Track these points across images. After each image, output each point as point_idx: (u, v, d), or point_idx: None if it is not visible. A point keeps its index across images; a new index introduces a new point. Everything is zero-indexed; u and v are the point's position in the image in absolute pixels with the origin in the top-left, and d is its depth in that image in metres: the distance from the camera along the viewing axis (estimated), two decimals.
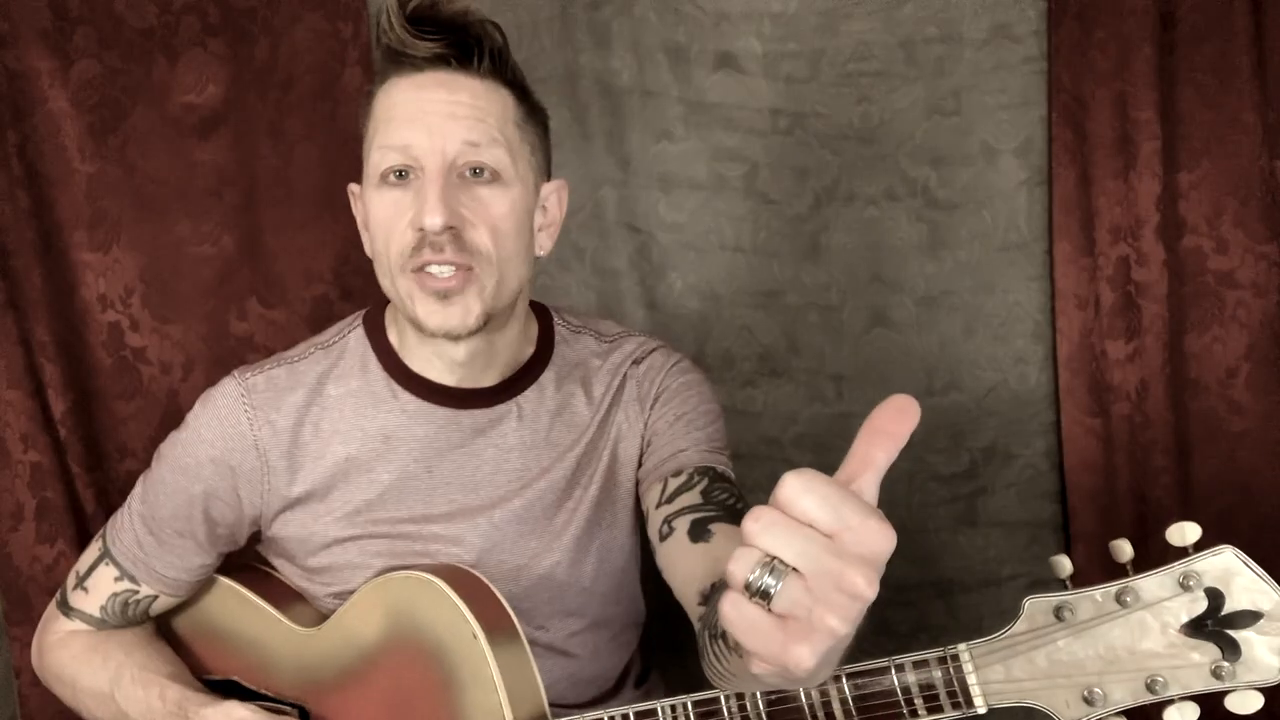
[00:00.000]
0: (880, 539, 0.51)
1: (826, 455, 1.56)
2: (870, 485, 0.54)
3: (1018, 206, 1.51)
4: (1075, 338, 1.49)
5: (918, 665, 0.81)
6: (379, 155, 0.96)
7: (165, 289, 1.47)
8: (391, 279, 0.97)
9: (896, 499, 1.54)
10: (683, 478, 1.01)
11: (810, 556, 0.51)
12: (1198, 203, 1.47)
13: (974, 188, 1.51)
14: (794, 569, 0.51)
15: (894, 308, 1.54)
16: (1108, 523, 1.50)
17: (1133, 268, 1.47)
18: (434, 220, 0.91)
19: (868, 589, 0.51)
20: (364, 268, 1.48)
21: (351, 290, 1.49)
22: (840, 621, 0.52)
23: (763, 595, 0.52)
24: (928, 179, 1.51)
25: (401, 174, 0.95)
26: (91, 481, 1.44)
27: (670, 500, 1.00)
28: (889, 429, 0.53)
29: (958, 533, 1.55)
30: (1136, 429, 1.48)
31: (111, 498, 1.45)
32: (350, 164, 1.46)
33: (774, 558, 0.52)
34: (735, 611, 0.53)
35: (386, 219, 0.95)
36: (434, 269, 0.93)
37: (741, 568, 0.52)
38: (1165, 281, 1.46)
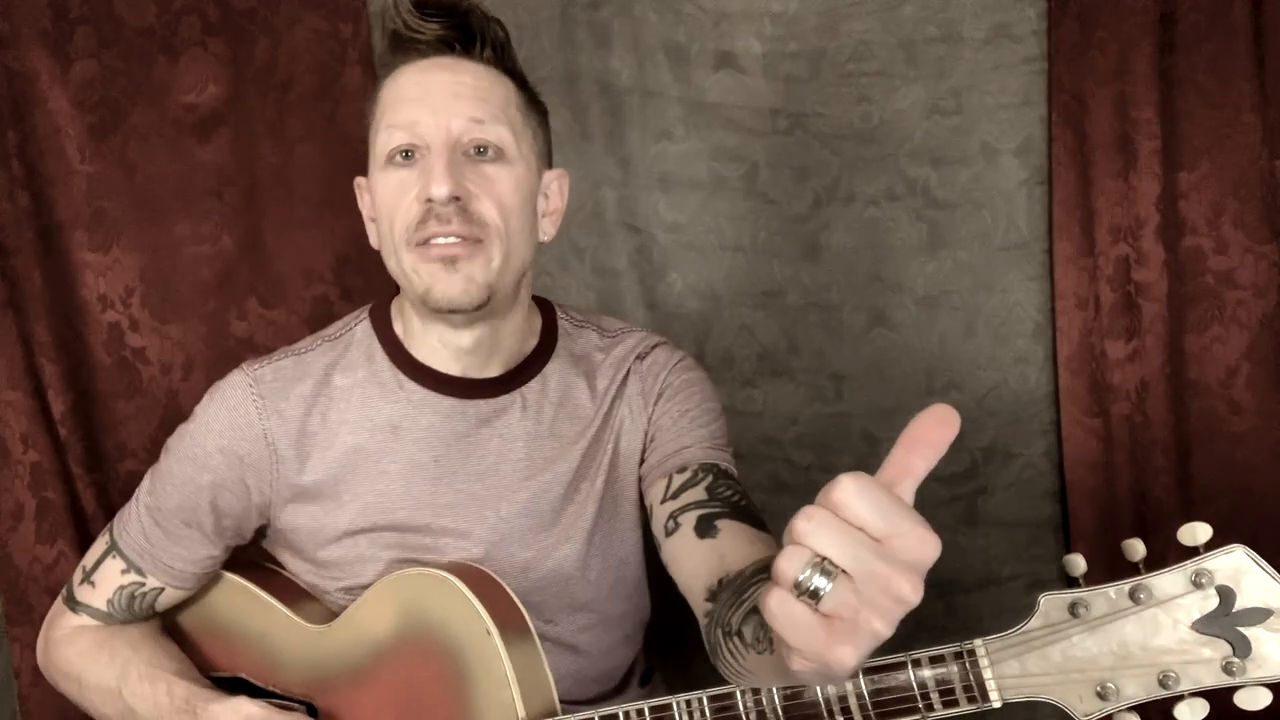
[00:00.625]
0: (929, 547, 0.53)
1: (826, 455, 1.56)
2: (908, 493, 0.55)
3: (1018, 206, 1.51)
4: (1075, 338, 1.49)
5: (934, 661, 0.82)
6: (385, 135, 0.97)
7: (165, 289, 1.47)
8: (397, 257, 0.97)
9: None
10: (687, 474, 1.02)
11: (860, 560, 0.52)
12: (1198, 203, 1.47)
13: (974, 188, 1.51)
14: (843, 570, 0.52)
15: (894, 308, 1.54)
16: (1108, 523, 1.50)
17: (1133, 268, 1.47)
18: (440, 190, 0.92)
19: (914, 594, 0.53)
20: (364, 267, 1.48)
21: (351, 290, 1.49)
22: (885, 625, 0.53)
23: (811, 595, 0.53)
24: (928, 179, 1.51)
25: (408, 154, 0.96)
26: (91, 481, 1.44)
27: (675, 496, 1.01)
28: (929, 438, 0.55)
29: (958, 533, 1.55)
30: (1136, 429, 1.48)
31: (111, 498, 1.45)
32: (350, 164, 1.46)
33: (824, 558, 0.53)
34: (782, 609, 0.54)
35: (392, 196, 0.96)
36: (439, 240, 0.94)
37: (793, 566, 0.53)
38: (1165, 281, 1.46)
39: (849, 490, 0.53)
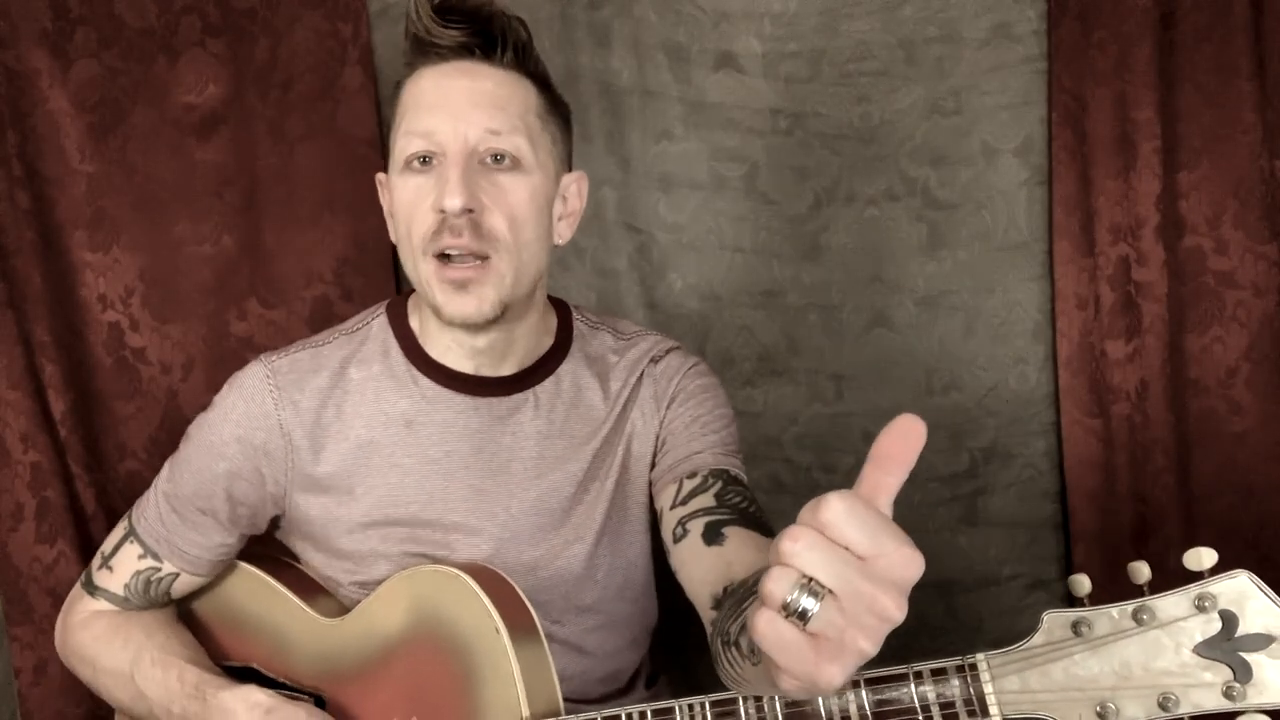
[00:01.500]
0: (913, 566, 0.54)
1: (826, 455, 1.56)
2: (885, 508, 0.56)
3: (1018, 206, 1.51)
4: (1075, 338, 1.49)
5: (935, 674, 0.82)
6: (404, 141, 0.98)
7: (165, 289, 1.47)
8: (414, 263, 0.99)
9: (897, 499, 1.53)
10: (697, 480, 1.02)
11: (846, 579, 0.53)
12: (1198, 203, 1.47)
13: (974, 188, 1.51)
14: (829, 590, 0.53)
15: (894, 308, 1.54)
16: (1108, 523, 1.50)
17: (1133, 268, 1.47)
18: (453, 201, 0.93)
19: (898, 612, 0.53)
20: (364, 268, 1.48)
21: (352, 290, 1.49)
22: (870, 643, 0.54)
23: (799, 615, 0.53)
24: (928, 179, 1.51)
25: (425, 160, 0.97)
26: (91, 481, 1.44)
27: (685, 502, 1.01)
28: (895, 453, 0.55)
29: (958, 533, 1.55)
30: (1136, 429, 1.48)
31: (111, 498, 1.45)
32: (350, 164, 1.46)
33: (810, 578, 0.53)
34: (770, 629, 0.54)
35: (409, 203, 0.98)
36: (453, 255, 0.95)
37: (780, 588, 0.53)
38: (1165, 281, 1.46)
39: (837, 510, 0.53)
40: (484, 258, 0.96)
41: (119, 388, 1.46)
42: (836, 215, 1.53)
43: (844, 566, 0.52)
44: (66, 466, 1.42)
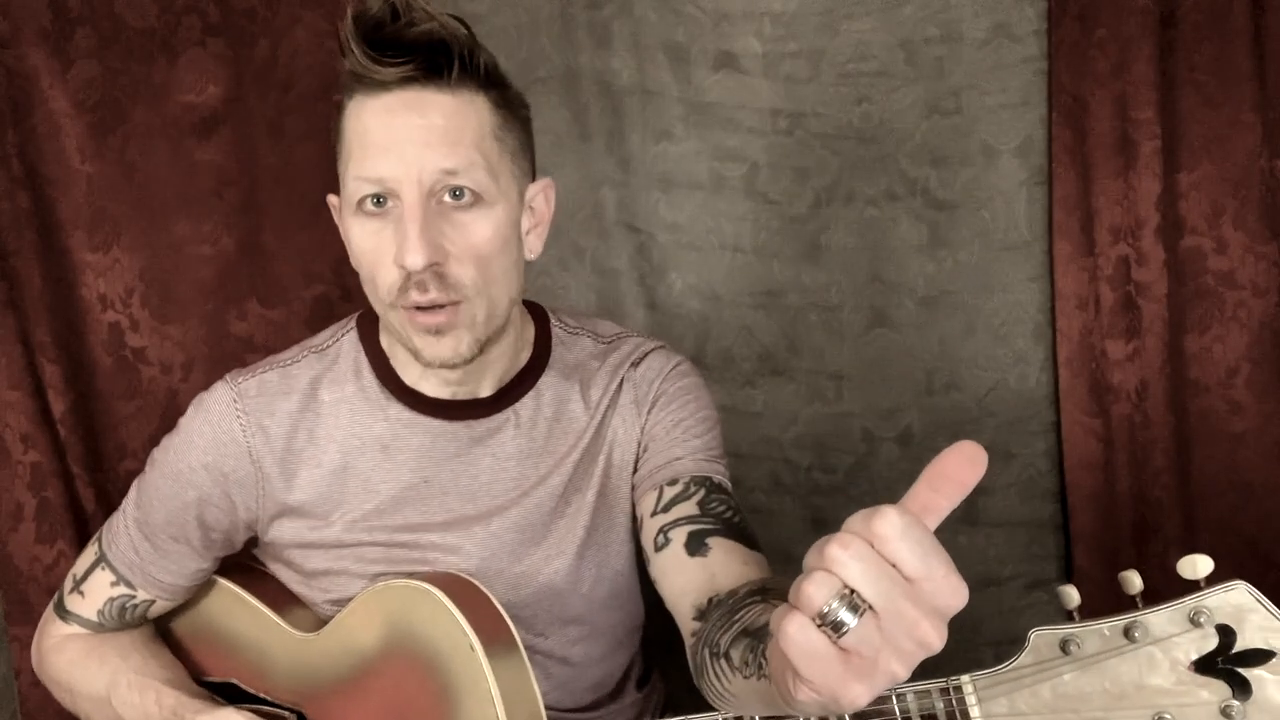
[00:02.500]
0: (959, 595, 0.51)
1: (826, 455, 1.56)
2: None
3: (1018, 206, 1.51)
4: (1075, 338, 1.49)
5: (919, 695, 0.79)
6: (354, 185, 0.91)
7: (165, 289, 1.47)
8: (382, 311, 0.96)
9: (897, 499, 1.53)
10: (679, 486, 0.99)
11: (891, 599, 0.50)
12: (1198, 203, 1.47)
13: (974, 188, 1.51)
14: (870, 607, 0.50)
15: (894, 308, 1.54)
16: (1108, 523, 1.50)
17: (1133, 268, 1.47)
18: (415, 260, 0.87)
19: (938, 641, 0.51)
20: None
21: (352, 290, 1.49)
22: (904, 668, 0.51)
23: (834, 627, 0.51)
24: (928, 179, 1.51)
25: (379, 200, 0.90)
26: (91, 481, 1.44)
27: (666, 509, 0.99)
28: (957, 477, 0.53)
29: (958, 533, 1.55)
30: (1136, 429, 1.48)
31: (111, 498, 1.45)
32: None
33: (853, 590, 0.50)
34: (801, 636, 0.51)
35: (369, 251, 0.93)
36: (421, 309, 0.91)
37: (820, 594, 0.51)
38: (1165, 281, 1.46)
39: (894, 525, 0.50)
40: (455, 302, 0.91)
41: (119, 388, 1.46)
42: (836, 215, 1.53)
43: (890, 585, 0.50)
44: (66, 466, 1.42)
